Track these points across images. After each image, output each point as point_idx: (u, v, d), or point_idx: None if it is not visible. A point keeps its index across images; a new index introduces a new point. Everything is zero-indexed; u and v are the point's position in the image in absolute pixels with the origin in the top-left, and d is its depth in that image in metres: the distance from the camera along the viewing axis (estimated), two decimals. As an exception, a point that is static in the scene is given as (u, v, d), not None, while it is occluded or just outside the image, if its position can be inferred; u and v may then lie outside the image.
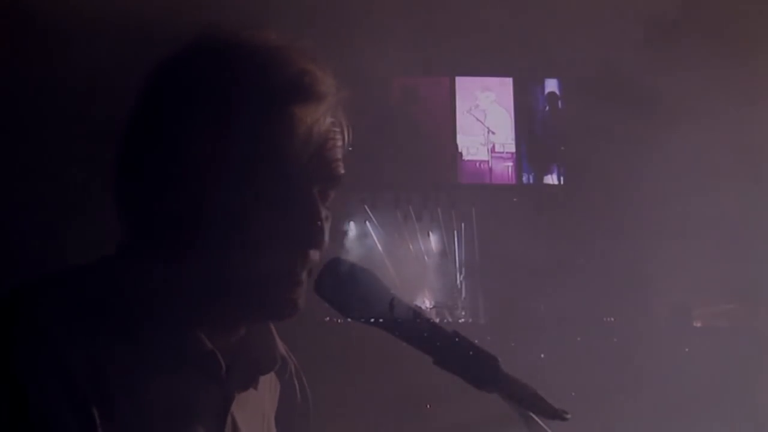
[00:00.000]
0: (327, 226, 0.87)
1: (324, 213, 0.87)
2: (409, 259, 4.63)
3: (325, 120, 0.86)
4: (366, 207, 4.46)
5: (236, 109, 0.82)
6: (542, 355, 3.67)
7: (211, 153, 0.81)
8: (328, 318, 3.28)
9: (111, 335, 0.80)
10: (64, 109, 2.69)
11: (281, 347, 0.99)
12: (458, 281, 4.57)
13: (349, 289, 0.86)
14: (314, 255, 0.87)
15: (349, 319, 0.90)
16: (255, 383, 0.94)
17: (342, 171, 0.89)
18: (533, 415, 0.82)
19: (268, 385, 1.00)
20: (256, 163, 0.82)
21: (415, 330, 0.86)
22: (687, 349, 3.56)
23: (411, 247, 4.59)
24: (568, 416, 0.81)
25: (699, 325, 3.96)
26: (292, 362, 1.05)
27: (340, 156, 0.89)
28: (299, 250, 0.86)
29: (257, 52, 0.87)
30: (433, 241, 4.76)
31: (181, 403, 0.83)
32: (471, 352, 0.84)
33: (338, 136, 0.89)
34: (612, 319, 3.75)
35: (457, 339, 0.85)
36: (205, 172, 0.82)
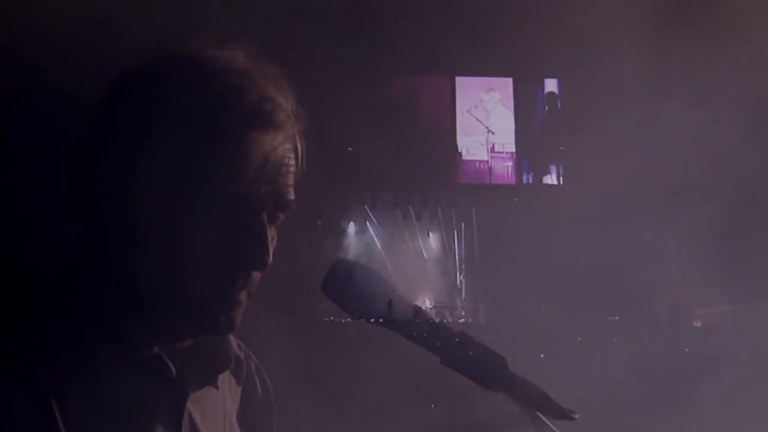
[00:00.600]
0: (272, 248, 0.89)
1: (271, 235, 0.89)
2: (409, 259, 4.63)
3: (282, 147, 0.87)
4: (366, 207, 4.47)
5: (193, 132, 0.84)
6: (542, 355, 3.68)
7: (163, 173, 0.83)
8: (331, 318, 3.28)
9: (65, 342, 0.83)
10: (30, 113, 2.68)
11: (235, 347, 1.00)
12: (458, 281, 4.57)
13: (355, 289, 0.87)
14: (256, 276, 0.89)
15: (355, 319, 0.90)
16: (213, 383, 0.95)
17: (292, 196, 0.91)
18: (541, 415, 0.82)
19: (228, 385, 1.01)
20: (208, 186, 0.84)
21: (422, 330, 0.86)
22: (687, 349, 3.57)
23: (411, 247, 4.60)
24: (576, 416, 0.81)
25: (699, 325, 3.96)
26: (252, 360, 1.07)
27: (292, 182, 0.91)
28: (243, 271, 0.87)
29: (220, 76, 0.87)
30: (433, 241, 4.77)
31: (137, 406, 0.85)
32: (478, 352, 0.84)
33: (292, 162, 0.91)
34: (615, 318, 3.75)
35: (464, 339, 0.85)
36: (157, 191, 0.83)
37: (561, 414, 0.81)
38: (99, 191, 0.86)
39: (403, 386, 3.27)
